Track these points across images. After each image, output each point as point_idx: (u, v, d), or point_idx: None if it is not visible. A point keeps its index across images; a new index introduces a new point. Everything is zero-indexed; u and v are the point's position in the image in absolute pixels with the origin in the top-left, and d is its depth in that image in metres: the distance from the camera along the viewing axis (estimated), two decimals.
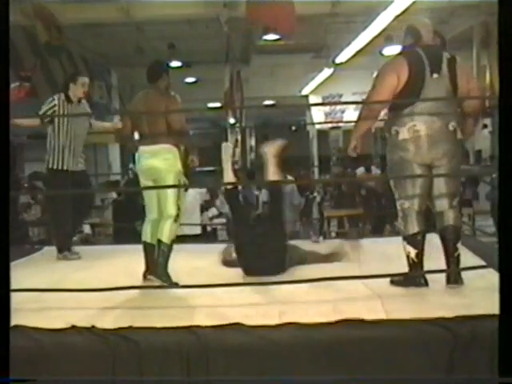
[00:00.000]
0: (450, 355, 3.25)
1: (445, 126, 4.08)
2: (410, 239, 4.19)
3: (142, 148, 4.80)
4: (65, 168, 5.97)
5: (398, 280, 4.19)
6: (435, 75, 4.08)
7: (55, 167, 5.97)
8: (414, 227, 4.18)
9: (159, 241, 4.62)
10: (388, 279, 4.25)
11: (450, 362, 3.25)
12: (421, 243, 4.19)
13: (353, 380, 3.24)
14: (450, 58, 4.14)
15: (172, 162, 4.70)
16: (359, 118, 4.39)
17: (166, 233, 4.62)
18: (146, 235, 4.83)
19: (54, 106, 5.97)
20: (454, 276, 4.13)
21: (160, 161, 4.68)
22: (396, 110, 4.20)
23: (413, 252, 4.16)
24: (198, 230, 8.99)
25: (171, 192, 4.65)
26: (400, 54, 4.31)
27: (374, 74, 4.37)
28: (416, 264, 4.17)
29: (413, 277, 4.19)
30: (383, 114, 4.53)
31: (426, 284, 4.15)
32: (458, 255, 4.18)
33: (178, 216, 4.68)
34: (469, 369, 3.23)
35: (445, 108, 4.10)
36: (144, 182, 4.88)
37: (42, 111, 6.00)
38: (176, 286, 4.39)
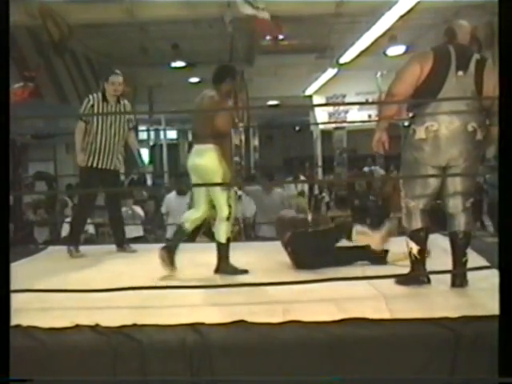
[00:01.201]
0: (454, 355, 3.25)
1: (464, 127, 4.00)
2: (413, 235, 4.18)
3: (193, 147, 5.10)
4: (99, 166, 6.06)
5: (402, 279, 4.19)
6: (460, 73, 4.01)
7: (89, 165, 6.05)
8: (417, 223, 4.16)
9: (218, 242, 4.97)
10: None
11: (453, 362, 3.25)
12: (423, 240, 4.18)
13: (353, 380, 3.24)
14: (479, 59, 4.06)
15: (217, 162, 4.85)
16: (382, 110, 4.34)
17: (223, 234, 4.95)
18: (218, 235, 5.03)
19: (92, 106, 6.04)
20: (459, 278, 4.10)
21: (205, 160, 4.88)
22: (416, 108, 4.15)
23: (415, 248, 4.15)
24: None
25: (222, 193, 4.88)
26: (431, 48, 4.23)
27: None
28: (418, 261, 4.16)
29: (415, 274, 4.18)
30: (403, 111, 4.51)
31: (429, 281, 4.15)
32: (466, 261, 4.15)
33: (230, 215, 4.92)
34: (472, 369, 3.23)
35: (466, 107, 4.02)
36: (193, 180, 5.10)
37: (81, 111, 6.16)
38: (246, 272, 4.87)
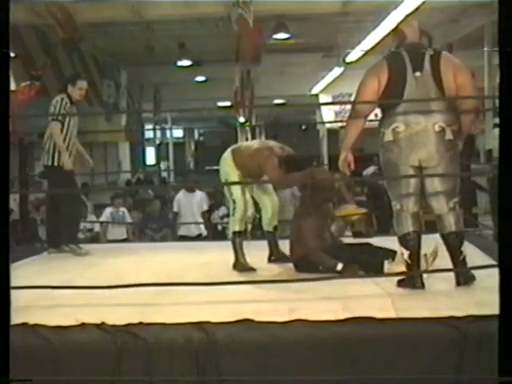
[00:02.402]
0: (460, 354, 3.25)
1: (430, 126, 3.97)
2: (402, 240, 4.13)
3: None
4: (65, 167, 5.98)
5: (401, 280, 4.15)
6: (417, 73, 4.00)
7: (55, 164, 6.01)
8: (404, 228, 4.10)
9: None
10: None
11: (459, 362, 3.25)
12: (414, 244, 4.09)
13: (357, 380, 3.24)
14: (432, 55, 4.03)
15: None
16: (347, 127, 4.34)
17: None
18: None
19: (66, 104, 5.98)
20: (463, 277, 4.06)
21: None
22: (383, 111, 4.18)
23: (405, 253, 4.09)
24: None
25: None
26: (383, 57, 4.24)
27: None
28: (410, 265, 4.09)
29: (410, 278, 4.11)
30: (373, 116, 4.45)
31: (423, 286, 4.07)
32: (464, 257, 4.10)
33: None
34: (478, 368, 3.23)
35: (432, 107, 3.99)
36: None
37: (56, 111, 5.97)
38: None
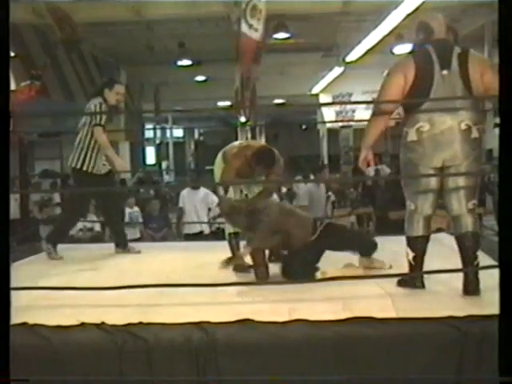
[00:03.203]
0: (460, 354, 3.25)
1: (456, 125, 3.85)
2: (410, 241, 4.08)
3: None
4: (94, 172, 5.86)
5: (401, 280, 4.13)
6: (445, 72, 3.87)
7: (85, 169, 5.84)
8: (414, 230, 4.06)
9: None
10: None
11: (460, 361, 3.24)
12: (420, 247, 4.06)
13: (357, 379, 3.24)
14: (460, 53, 3.91)
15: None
16: (369, 125, 4.21)
17: None
18: None
19: (105, 109, 5.81)
20: (472, 285, 3.91)
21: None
22: (407, 110, 4.02)
23: (410, 255, 4.06)
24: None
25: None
26: (409, 53, 4.14)
27: (385, 73, 4.23)
28: (413, 267, 4.06)
29: (411, 279, 4.09)
30: (395, 114, 4.38)
31: (423, 286, 4.05)
32: (478, 264, 3.96)
33: None
34: (479, 368, 3.23)
35: (458, 105, 3.87)
36: None
37: (97, 117, 5.77)
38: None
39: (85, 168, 5.82)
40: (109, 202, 6.10)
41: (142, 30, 13.24)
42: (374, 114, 4.17)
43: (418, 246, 4.06)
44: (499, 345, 2.63)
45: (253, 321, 3.45)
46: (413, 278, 4.09)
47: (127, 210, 9.59)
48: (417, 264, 4.06)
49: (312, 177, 11.64)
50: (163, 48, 15.01)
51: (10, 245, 2.83)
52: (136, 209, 9.80)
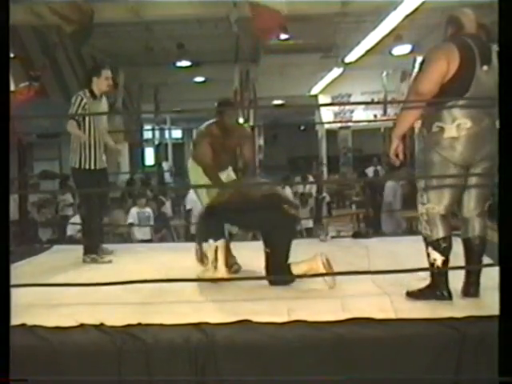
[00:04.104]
0: (459, 355, 3.25)
1: (492, 124, 3.70)
2: (437, 245, 3.80)
3: None
4: (92, 167, 5.74)
5: (415, 292, 3.88)
6: (485, 67, 3.68)
7: (83, 167, 5.73)
8: (439, 232, 3.80)
9: None
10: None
11: (459, 362, 3.24)
12: (447, 249, 3.80)
13: (356, 380, 3.24)
14: (499, 51, 3.64)
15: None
16: (402, 114, 3.95)
17: None
18: None
19: (85, 104, 5.67)
20: (473, 287, 3.83)
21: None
22: (439, 104, 3.76)
23: (439, 259, 3.78)
24: None
25: None
26: (448, 40, 3.85)
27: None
28: (442, 273, 3.80)
29: (434, 288, 3.82)
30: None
31: (450, 297, 3.79)
32: (480, 269, 3.84)
33: None
34: (478, 369, 3.23)
35: (492, 104, 3.60)
36: None
37: (73, 111, 5.70)
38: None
39: (77, 165, 5.71)
40: (90, 199, 5.85)
41: (141, 30, 13.23)
42: (407, 101, 3.95)
43: (446, 247, 3.80)
44: (499, 345, 2.63)
45: (251, 322, 3.45)
46: (436, 287, 3.83)
47: (134, 210, 9.56)
48: (445, 269, 3.82)
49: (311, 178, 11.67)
50: (162, 49, 15.00)
51: (9, 246, 2.83)
52: (147, 209, 9.74)
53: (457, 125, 3.70)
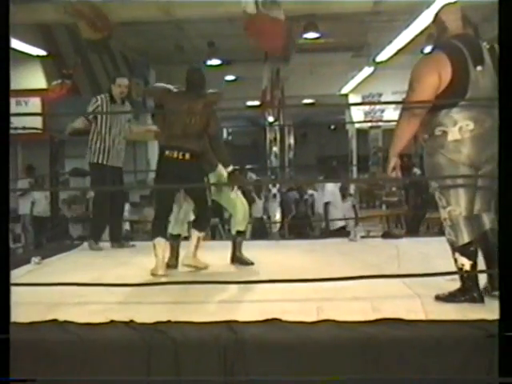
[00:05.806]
0: (490, 357, 3.20)
1: (494, 124, 3.54)
2: (463, 250, 3.71)
3: None
4: (104, 163, 6.34)
5: (445, 295, 3.81)
6: (479, 68, 3.64)
7: (95, 161, 6.35)
8: (465, 237, 3.71)
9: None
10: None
11: (489, 364, 3.20)
12: (475, 253, 3.72)
13: (374, 380, 3.22)
14: (489, 48, 3.69)
15: None
16: (397, 130, 3.92)
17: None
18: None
19: (98, 106, 6.32)
20: (492, 285, 3.75)
21: None
22: (439, 109, 3.72)
23: (467, 264, 3.68)
24: None
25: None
26: (436, 47, 3.82)
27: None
28: (472, 277, 3.71)
29: (466, 291, 3.73)
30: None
31: (482, 300, 3.71)
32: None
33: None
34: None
35: (492, 104, 3.52)
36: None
37: (88, 110, 6.44)
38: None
39: (97, 161, 6.34)
40: (112, 196, 6.48)
41: (172, 29, 13.30)
42: (401, 118, 3.90)
43: (473, 251, 3.72)
44: (499, 345, 2.63)
45: (281, 320, 3.45)
46: (469, 290, 3.74)
47: None
48: (475, 273, 3.74)
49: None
50: (193, 47, 15.06)
51: (9, 245, 2.86)
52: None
53: (459, 127, 3.68)
